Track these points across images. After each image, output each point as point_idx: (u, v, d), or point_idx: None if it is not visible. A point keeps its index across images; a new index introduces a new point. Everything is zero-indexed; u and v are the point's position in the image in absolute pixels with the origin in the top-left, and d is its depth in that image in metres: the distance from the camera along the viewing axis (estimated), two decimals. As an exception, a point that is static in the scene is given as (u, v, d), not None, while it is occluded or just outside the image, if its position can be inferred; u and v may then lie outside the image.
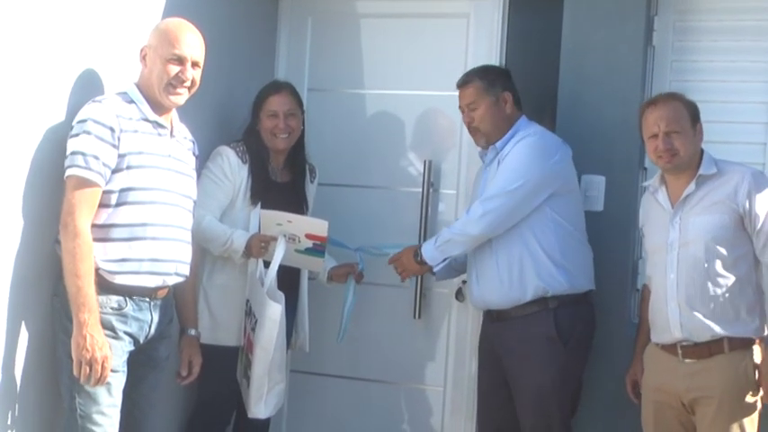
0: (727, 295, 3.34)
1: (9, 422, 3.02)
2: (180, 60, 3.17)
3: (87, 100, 3.11)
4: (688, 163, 3.40)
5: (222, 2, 4.15)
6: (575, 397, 3.78)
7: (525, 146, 3.69)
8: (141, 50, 3.21)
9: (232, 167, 3.86)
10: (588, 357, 3.80)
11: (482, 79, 3.84)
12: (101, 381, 2.99)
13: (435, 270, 3.82)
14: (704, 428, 3.35)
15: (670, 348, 3.44)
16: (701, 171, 3.36)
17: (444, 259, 3.79)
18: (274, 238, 3.83)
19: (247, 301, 3.88)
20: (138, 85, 3.22)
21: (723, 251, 3.34)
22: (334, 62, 4.69)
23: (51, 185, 3.04)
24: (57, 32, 3.08)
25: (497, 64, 4.31)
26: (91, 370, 2.96)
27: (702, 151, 3.41)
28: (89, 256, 2.99)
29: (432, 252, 3.78)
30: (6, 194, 2.94)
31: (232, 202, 3.87)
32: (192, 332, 3.55)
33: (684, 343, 3.40)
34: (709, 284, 3.37)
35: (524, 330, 3.69)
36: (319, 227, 3.86)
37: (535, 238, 3.67)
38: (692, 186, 3.37)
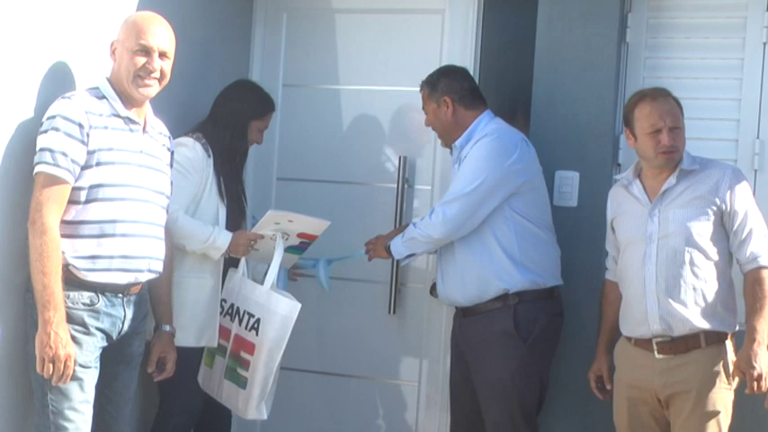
0: (705, 289, 3.37)
1: None
2: (146, 51, 3.15)
3: (58, 95, 3.10)
4: (680, 159, 3.45)
5: None
6: (539, 392, 3.80)
7: (481, 147, 3.72)
8: (111, 45, 3.20)
9: (200, 161, 3.80)
10: (554, 353, 3.82)
11: (428, 84, 3.91)
12: (63, 379, 2.98)
13: (401, 263, 4.01)
14: (680, 423, 3.38)
15: (644, 344, 3.45)
16: (682, 166, 3.39)
17: (409, 255, 3.86)
18: (262, 237, 3.82)
19: (225, 300, 3.83)
20: (109, 81, 3.21)
21: (703, 245, 3.37)
22: (308, 58, 4.69)
23: (23, 182, 3.03)
24: (27, 26, 3.06)
25: (471, 60, 4.35)
26: (54, 367, 2.96)
27: None
28: (56, 254, 2.98)
29: (399, 247, 3.84)
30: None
31: (197, 196, 3.81)
32: (167, 328, 3.53)
33: (659, 339, 3.41)
34: (689, 276, 3.40)
35: (485, 326, 3.73)
36: (319, 226, 3.88)
37: (495, 237, 3.70)
38: (672, 180, 3.40)
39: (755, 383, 3.28)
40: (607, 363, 3.65)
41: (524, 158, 3.72)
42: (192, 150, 3.77)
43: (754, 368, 3.26)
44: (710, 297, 3.39)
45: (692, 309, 3.39)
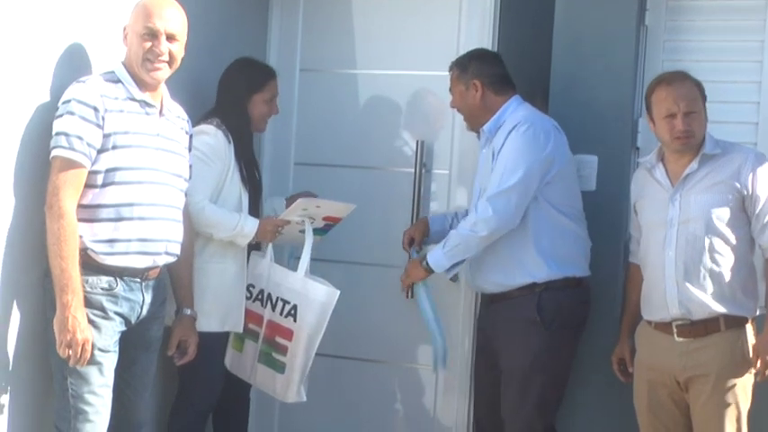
0: (724, 274, 3.38)
1: (2, 402, 3.04)
2: (153, 34, 3.16)
3: (74, 79, 3.11)
4: (697, 143, 3.44)
5: None
6: (558, 384, 3.80)
7: (516, 138, 3.69)
8: (123, 29, 3.21)
9: (222, 148, 3.81)
10: (578, 341, 3.82)
11: (458, 66, 3.90)
12: (81, 362, 3.01)
13: (447, 276, 3.84)
14: (699, 406, 3.40)
15: (664, 327, 3.47)
16: (704, 150, 3.40)
17: (454, 264, 3.75)
18: (288, 222, 3.87)
19: (253, 286, 3.88)
20: (124, 64, 3.22)
21: (723, 230, 3.37)
22: (326, 42, 4.69)
23: (41, 166, 3.06)
24: (43, 10, 3.08)
25: (490, 43, 4.33)
26: (72, 351, 2.98)
27: None
28: (73, 238, 3.00)
29: (440, 259, 3.74)
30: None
31: (219, 183, 3.83)
32: (188, 312, 3.56)
33: (680, 322, 3.43)
34: (709, 262, 3.40)
35: (510, 313, 3.75)
36: (344, 209, 3.94)
37: (525, 228, 3.69)
38: (693, 165, 3.40)
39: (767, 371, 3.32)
40: (629, 346, 3.66)
41: (558, 147, 3.72)
42: (214, 138, 3.78)
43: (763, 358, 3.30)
44: (730, 282, 3.39)
45: (711, 293, 3.39)
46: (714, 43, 4.07)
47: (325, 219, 3.95)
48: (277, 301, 3.84)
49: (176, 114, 3.35)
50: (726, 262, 3.39)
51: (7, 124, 2.98)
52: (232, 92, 3.96)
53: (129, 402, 3.30)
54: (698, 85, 3.44)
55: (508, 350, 3.77)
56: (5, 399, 3.07)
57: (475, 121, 3.89)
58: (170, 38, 3.16)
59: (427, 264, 3.76)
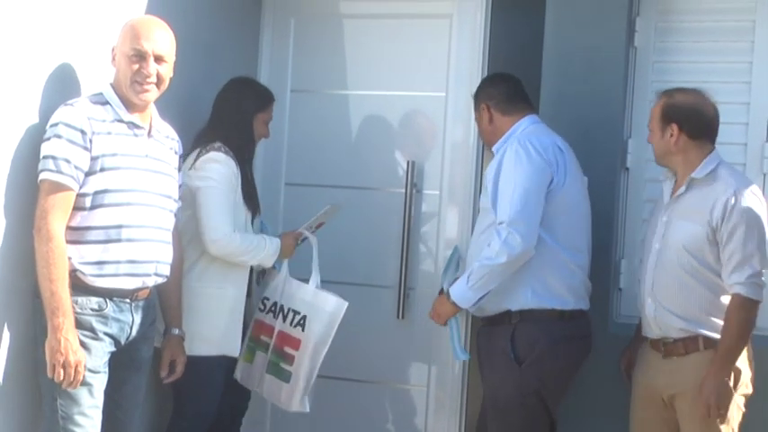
0: (698, 300, 3.41)
1: None
2: (141, 56, 3.17)
3: (63, 101, 3.12)
4: (670, 162, 3.48)
5: (204, 2, 4.18)
6: (543, 416, 3.74)
7: (506, 160, 3.67)
8: (112, 50, 3.22)
9: (233, 175, 3.82)
10: (565, 376, 3.77)
11: (474, 93, 3.93)
12: (74, 384, 3.01)
13: (471, 310, 3.75)
14: (683, 425, 3.44)
15: (655, 344, 3.53)
16: (693, 174, 3.41)
17: (480, 297, 3.66)
18: (301, 234, 3.99)
19: (267, 299, 3.94)
20: (112, 86, 3.23)
21: (696, 255, 3.39)
22: (317, 63, 4.70)
23: (32, 186, 3.06)
24: (32, 31, 3.09)
25: (480, 65, 4.37)
26: (65, 373, 2.98)
27: (712, 151, 3.44)
28: (62, 260, 3.00)
29: (465, 293, 3.65)
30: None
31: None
32: (176, 331, 3.56)
33: (666, 340, 3.47)
34: (680, 288, 3.43)
35: (489, 341, 3.75)
36: (331, 212, 4.05)
37: None
38: (682, 188, 3.45)
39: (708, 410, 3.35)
40: (633, 356, 3.70)
41: (551, 158, 3.68)
42: (226, 165, 3.79)
43: (702, 396, 3.34)
44: (701, 305, 3.42)
45: (680, 315, 3.44)
46: (703, 65, 4.10)
47: (317, 226, 4.05)
48: (288, 311, 3.90)
49: (165, 134, 3.36)
50: (697, 286, 3.41)
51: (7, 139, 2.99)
52: (236, 109, 3.95)
53: (119, 423, 3.29)
54: (664, 106, 3.48)
55: (487, 380, 3.77)
56: None
57: (488, 143, 3.92)
58: (158, 59, 3.17)
59: (453, 300, 3.68)
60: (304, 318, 3.87)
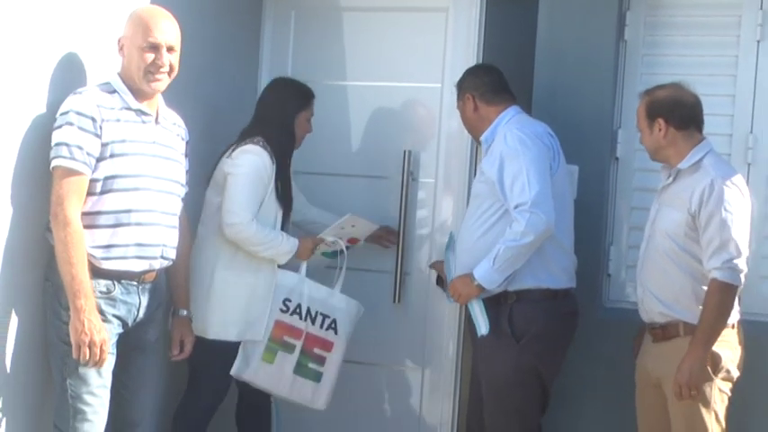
0: (678, 286, 3.46)
1: (0, 405, 3.08)
2: (155, 48, 3.19)
3: (70, 90, 3.14)
4: (664, 156, 3.53)
5: None
6: (539, 393, 3.79)
7: (508, 147, 3.69)
8: (118, 41, 3.24)
9: (267, 170, 3.85)
10: (559, 352, 3.82)
11: (457, 84, 3.97)
12: (99, 363, 3.05)
13: (494, 290, 3.69)
14: (669, 408, 3.48)
15: (649, 329, 3.57)
16: (678, 165, 3.45)
17: (507, 278, 3.66)
18: (322, 241, 4.03)
19: (290, 300, 3.98)
20: (120, 75, 3.24)
21: (678, 243, 3.43)
22: (316, 55, 4.71)
23: (37, 175, 3.09)
24: (37, 22, 3.10)
25: (474, 57, 4.36)
26: (90, 352, 3.02)
27: (701, 141, 3.48)
28: (81, 244, 3.02)
29: (491, 275, 3.65)
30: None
31: (261, 202, 3.87)
32: (184, 312, 3.63)
33: (654, 325, 3.52)
34: (663, 274, 3.48)
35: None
36: (368, 230, 4.16)
37: (503, 234, 3.67)
38: (669, 179, 3.49)
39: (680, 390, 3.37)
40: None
41: (548, 144, 3.73)
42: (260, 157, 3.84)
43: (676, 377, 3.36)
44: (683, 291, 3.46)
45: (662, 301, 3.48)
46: (691, 58, 4.14)
47: (348, 240, 4.10)
48: (317, 315, 4.00)
49: (172, 122, 3.38)
50: (679, 272, 3.45)
51: (5, 135, 3.02)
52: (279, 108, 4.01)
53: (125, 402, 3.34)
54: (647, 104, 3.53)
55: (485, 361, 3.81)
56: (4, 402, 3.10)
57: (474, 132, 3.94)
58: (169, 49, 3.21)
59: (478, 282, 3.68)
60: (334, 321, 4.02)
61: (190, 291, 3.71)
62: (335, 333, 4.01)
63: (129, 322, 3.23)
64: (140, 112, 3.24)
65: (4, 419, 3.11)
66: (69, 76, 3.27)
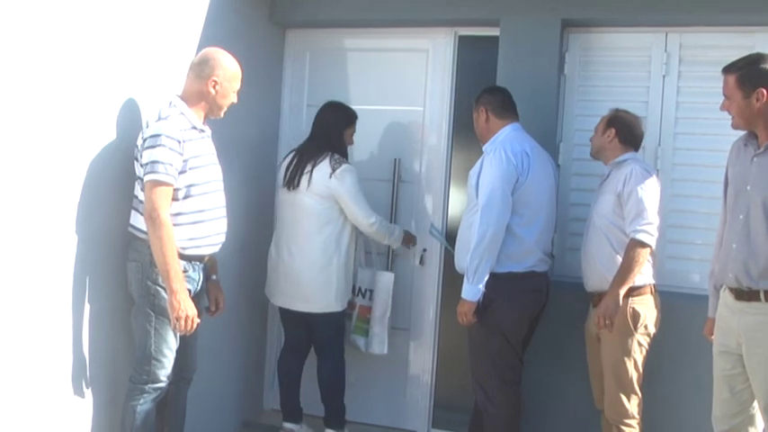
0: (599, 254, 3.87)
1: (87, 361, 3.50)
2: (237, 90, 3.62)
3: (130, 124, 3.50)
4: (603, 156, 4.00)
5: (242, 38, 4.48)
6: (505, 345, 4.05)
7: (487, 163, 3.99)
8: (210, 79, 3.51)
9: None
10: (520, 317, 4.07)
11: (474, 99, 4.24)
12: (189, 331, 3.40)
13: (482, 293, 3.96)
14: (602, 358, 3.93)
15: (591, 297, 4.03)
16: (614, 160, 3.94)
17: (484, 280, 3.93)
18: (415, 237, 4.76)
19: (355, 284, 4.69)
20: (183, 99, 3.49)
21: (606, 221, 3.83)
22: (326, 85, 5.05)
23: (115, 181, 3.49)
24: (105, 66, 3.44)
25: (449, 88, 4.78)
26: (185, 324, 3.37)
27: (631, 150, 3.93)
28: (173, 241, 3.32)
29: (471, 290, 3.95)
30: (85, 192, 3.38)
31: None
32: (214, 277, 3.89)
33: (593, 294, 3.98)
34: (592, 246, 3.90)
35: None
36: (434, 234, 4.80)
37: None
38: (606, 172, 4.01)
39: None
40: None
41: (519, 164, 3.94)
42: (355, 171, 4.40)
43: (597, 311, 3.75)
44: (600, 261, 3.85)
45: (590, 271, 3.94)
46: (614, 88, 4.55)
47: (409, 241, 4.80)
48: (365, 290, 4.72)
49: (209, 133, 3.63)
50: (604, 247, 3.83)
51: (89, 154, 3.35)
52: (332, 126, 4.40)
53: (183, 353, 3.69)
54: (609, 119, 3.99)
55: (469, 326, 4.12)
56: (90, 360, 3.48)
57: (482, 140, 4.14)
58: None
59: (468, 299, 3.96)
60: (371, 291, 4.68)
61: (308, 278, 4.31)
62: (371, 299, 4.69)
63: (193, 293, 3.55)
64: (201, 130, 3.52)
65: (91, 386, 3.53)
66: (128, 115, 3.58)
